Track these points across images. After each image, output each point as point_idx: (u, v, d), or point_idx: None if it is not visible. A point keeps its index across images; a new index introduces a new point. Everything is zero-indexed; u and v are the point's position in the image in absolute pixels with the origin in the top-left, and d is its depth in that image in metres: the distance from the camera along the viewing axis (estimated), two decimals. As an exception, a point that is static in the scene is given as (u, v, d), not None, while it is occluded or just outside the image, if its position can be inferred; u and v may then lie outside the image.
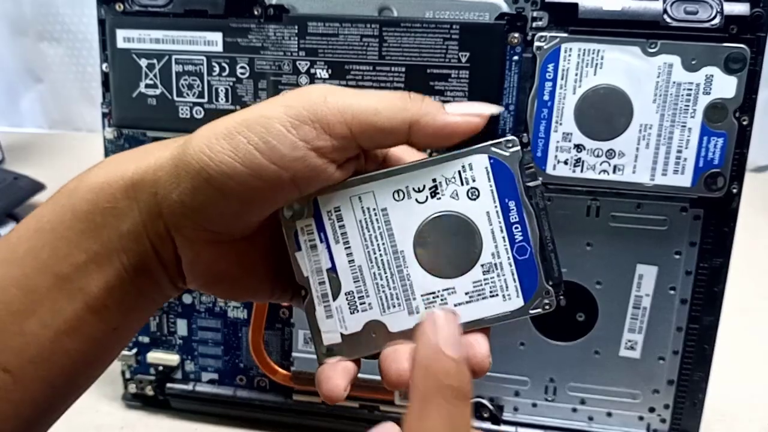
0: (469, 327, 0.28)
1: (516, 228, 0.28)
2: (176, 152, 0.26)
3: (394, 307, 0.28)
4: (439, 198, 0.28)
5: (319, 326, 0.28)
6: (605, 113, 0.37)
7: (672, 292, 0.41)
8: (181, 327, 0.48)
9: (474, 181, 0.27)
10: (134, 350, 0.49)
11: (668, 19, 0.36)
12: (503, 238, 0.28)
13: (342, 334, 0.29)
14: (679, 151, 0.37)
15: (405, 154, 0.30)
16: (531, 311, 0.28)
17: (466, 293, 0.28)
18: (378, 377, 0.44)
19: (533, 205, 0.27)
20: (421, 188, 0.28)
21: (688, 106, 0.36)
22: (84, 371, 0.29)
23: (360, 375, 0.45)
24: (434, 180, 0.28)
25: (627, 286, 0.41)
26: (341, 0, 0.40)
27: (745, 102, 0.36)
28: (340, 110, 0.26)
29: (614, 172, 0.38)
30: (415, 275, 0.28)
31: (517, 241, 0.28)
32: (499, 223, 0.28)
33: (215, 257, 0.28)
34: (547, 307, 0.28)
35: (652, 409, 0.43)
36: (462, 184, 0.27)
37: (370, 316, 0.28)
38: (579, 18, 0.37)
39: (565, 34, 0.37)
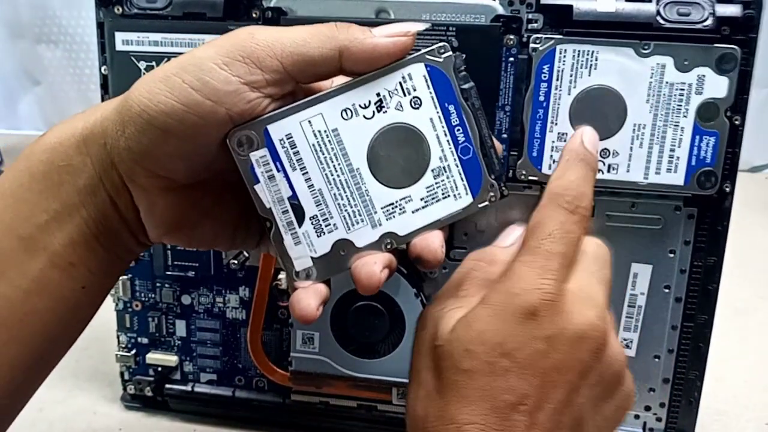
0: (427, 229, 0.29)
1: (458, 130, 0.29)
2: (119, 102, 0.27)
3: (357, 223, 0.29)
4: (385, 111, 0.29)
5: (289, 253, 0.29)
6: (600, 113, 0.37)
7: (666, 290, 0.41)
8: (180, 328, 0.48)
9: (415, 90, 0.29)
10: (133, 351, 0.49)
11: (661, 21, 0.37)
12: (448, 141, 0.29)
13: (312, 258, 0.29)
14: (672, 150, 0.37)
15: None
16: (479, 205, 0.30)
17: (421, 199, 0.29)
18: (376, 377, 0.45)
19: (470, 105, 0.29)
20: (366, 104, 0.29)
21: (680, 105, 0.37)
22: (58, 332, 0.30)
23: (359, 374, 0.45)
24: (378, 94, 0.29)
25: (622, 285, 0.41)
26: (338, 2, 0.40)
27: (736, 101, 0.37)
28: (269, 44, 0.27)
29: (608, 171, 0.38)
30: (373, 190, 0.29)
31: (460, 142, 0.29)
32: (443, 127, 0.29)
33: (171, 204, 0.29)
34: (492, 199, 0.30)
35: (647, 408, 0.43)
36: (404, 94, 0.29)
37: (336, 236, 0.29)
38: (573, 20, 0.37)
39: (560, 36, 0.37)
